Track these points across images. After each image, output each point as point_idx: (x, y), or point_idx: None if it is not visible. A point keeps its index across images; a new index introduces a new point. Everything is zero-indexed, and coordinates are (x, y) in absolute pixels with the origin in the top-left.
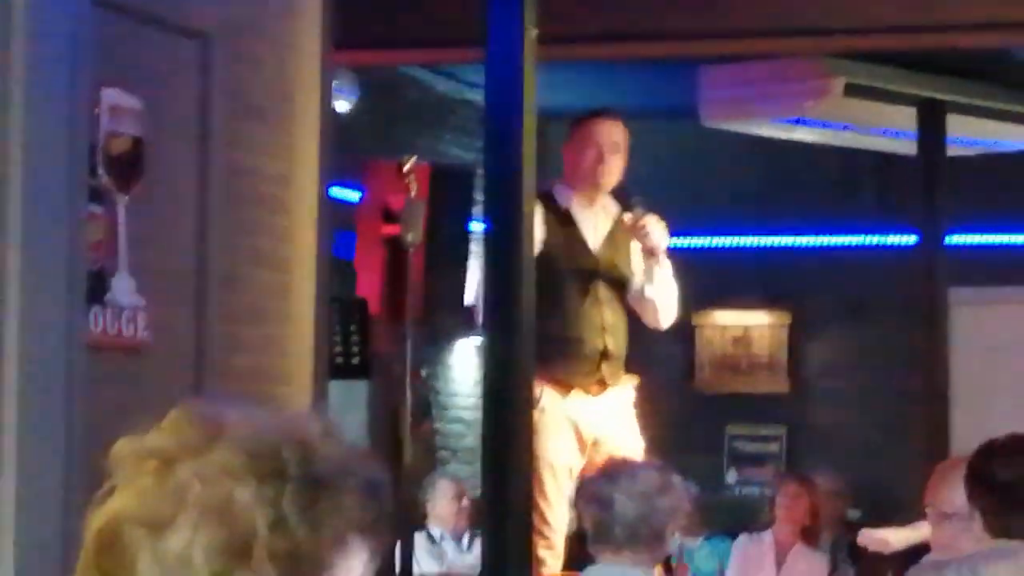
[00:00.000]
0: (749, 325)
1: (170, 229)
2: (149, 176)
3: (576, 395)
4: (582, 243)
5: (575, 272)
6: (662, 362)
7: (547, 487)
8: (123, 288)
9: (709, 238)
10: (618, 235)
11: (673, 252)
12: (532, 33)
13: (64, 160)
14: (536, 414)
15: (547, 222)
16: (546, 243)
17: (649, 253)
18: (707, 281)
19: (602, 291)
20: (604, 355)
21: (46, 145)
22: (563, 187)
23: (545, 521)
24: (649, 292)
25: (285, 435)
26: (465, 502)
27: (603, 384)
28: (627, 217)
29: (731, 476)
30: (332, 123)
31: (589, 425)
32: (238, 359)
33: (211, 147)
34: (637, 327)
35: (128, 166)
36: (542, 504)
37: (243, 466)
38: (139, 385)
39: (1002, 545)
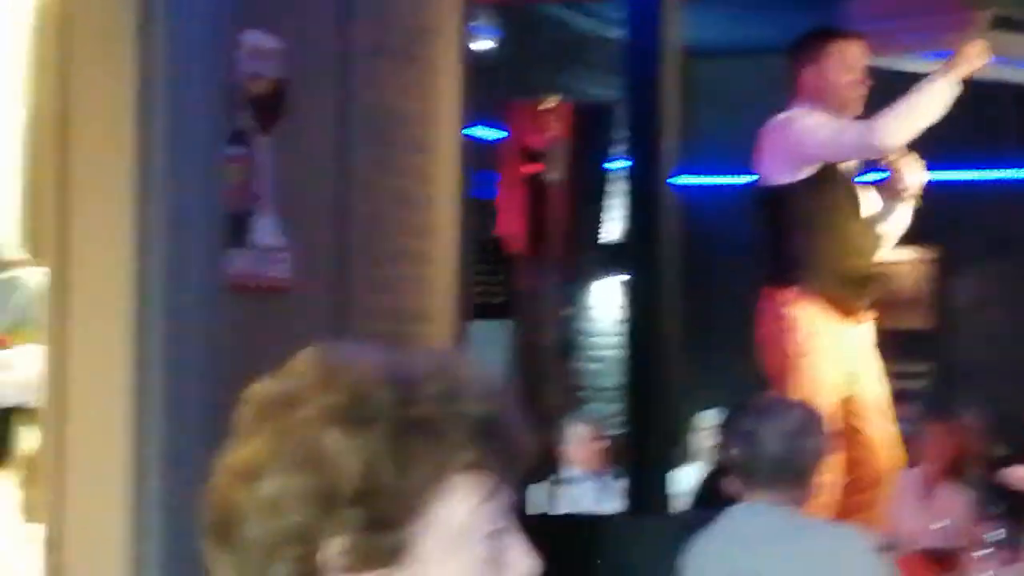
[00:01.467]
0: (893, 261)
1: (311, 170)
2: (290, 117)
3: (846, 321)
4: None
5: (842, 196)
6: None
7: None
8: (265, 229)
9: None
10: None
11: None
12: None
13: (207, 101)
14: (804, 338)
15: None
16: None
17: (899, 192)
18: None
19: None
20: (871, 279)
21: (188, 87)
22: (810, 109)
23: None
24: (883, 227)
25: (389, 375)
26: (603, 443)
27: (866, 312)
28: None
29: None
30: (472, 63)
31: (853, 354)
32: (380, 299)
33: (351, 87)
34: None
35: (269, 107)
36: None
37: (340, 410)
38: (282, 326)
39: None
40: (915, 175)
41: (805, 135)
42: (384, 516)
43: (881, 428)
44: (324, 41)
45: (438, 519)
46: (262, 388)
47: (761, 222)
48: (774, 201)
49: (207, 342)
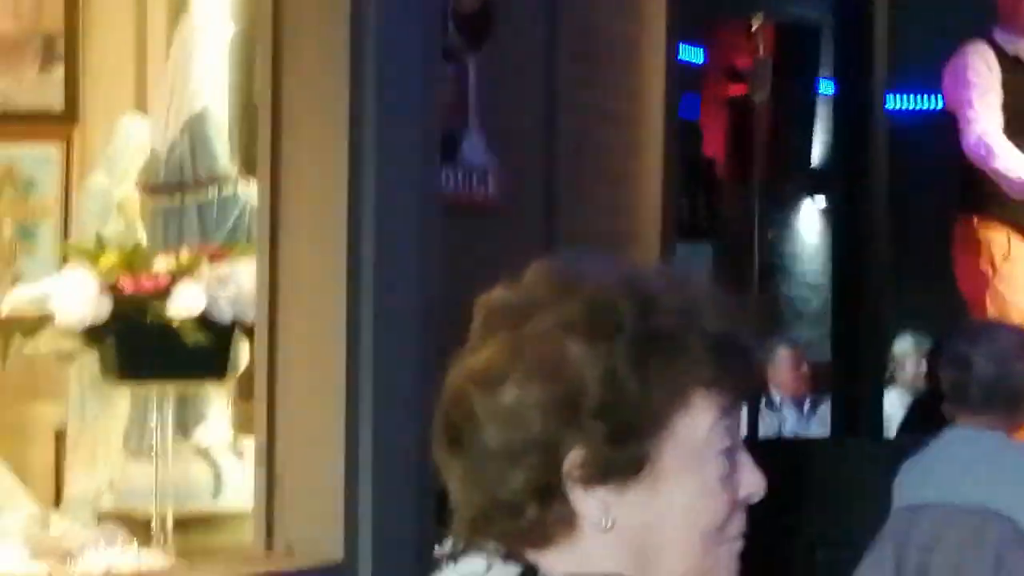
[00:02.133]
0: None
1: (519, 88)
2: (498, 35)
3: None
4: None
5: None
6: None
7: None
8: (475, 148)
9: None
10: None
11: None
12: None
13: (419, 19)
14: (1000, 261)
15: (996, 68)
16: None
17: None
18: None
19: None
20: None
21: (401, 3)
22: (1005, 32)
23: None
24: None
25: (628, 287)
26: (805, 367)
27: None
28: None
29: None
30: None
31: None
32: (586, 219)
33: (559, 6)
34: None
35: (478, 24)
36: None
37: (581, 321)
38: (490, 245)
39: None
40: None
41: (959, 90)
42: (625, 428)
43: None
44: None
45: (677, 434)
46: (495, 296)
47: (954, 148)
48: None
49: (419, 258)
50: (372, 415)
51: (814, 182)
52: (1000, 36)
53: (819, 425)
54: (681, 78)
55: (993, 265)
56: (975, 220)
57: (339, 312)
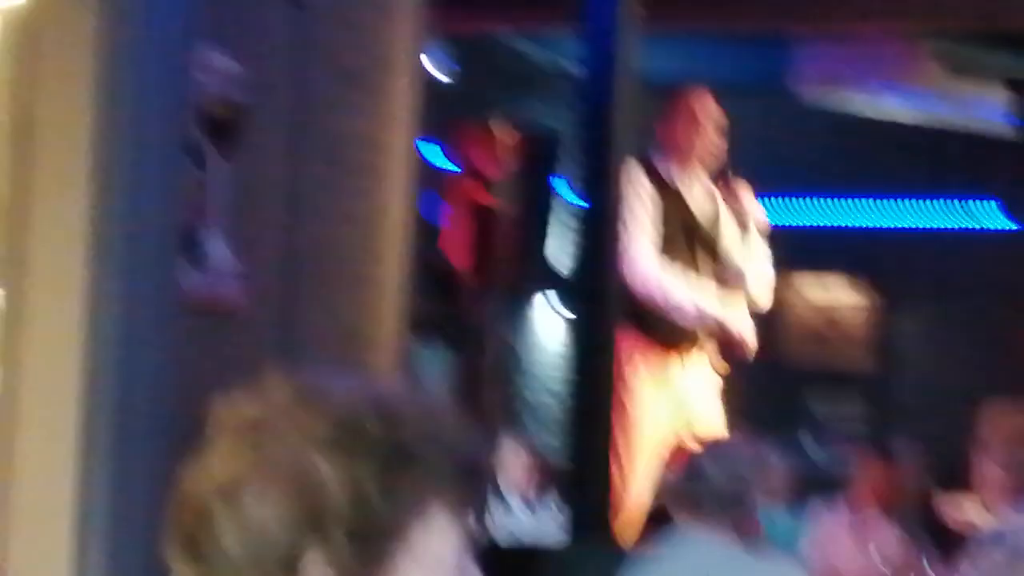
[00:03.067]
0: (835, 301)
1: (264, 191)
2: (245, 138)
3: (673, 362)
4: (688, 213)
5: (681, 241)
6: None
7: (633, 452)
8: (216, 248)
9: (801, 212)
10: (718, 208)
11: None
12: (631, 2)
13: (165, 120)
14: (630, 379)
15: (654, 192)
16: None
17: (743, 224)
18: (796, 256)
19: (702, 262)
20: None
21: (148, 104)
22: (664, 159)
23: (624, 486)
24: (743, 266)
25: (374, 403)
26: (538, 467)
27: (696, 353)
28: (720, 186)
29: (811, 447)
30: (425, 88)
31: (682, 393)
32: (327, 322)
33: (307, 111)
34: None
35: (225, 128)
36: (625, 468)
37: (327, 434)
38: (231, 346)
39: None
40: (752, 205)
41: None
42: (367, 540)
43: None
44: (282, 65)
45: (416, 547)
46: (235, 407)
47: None
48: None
49: (158, 359)
50: (106, 525)
51: (553, 286)
52: (658, 162)
53: (551, 522)
54: (428, 182)
55: (625, 377)
56: (629, 334)
57: (75, 415)
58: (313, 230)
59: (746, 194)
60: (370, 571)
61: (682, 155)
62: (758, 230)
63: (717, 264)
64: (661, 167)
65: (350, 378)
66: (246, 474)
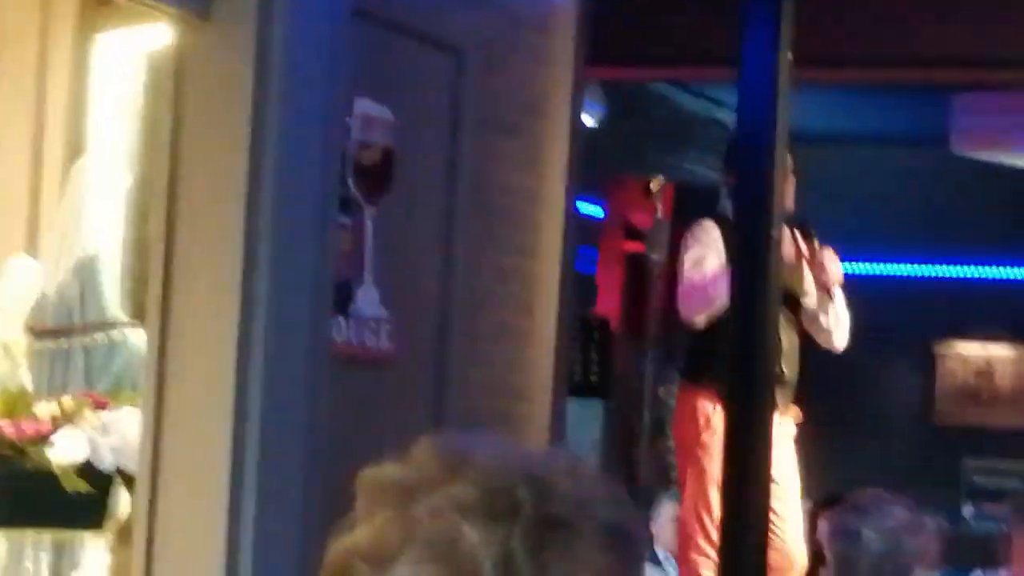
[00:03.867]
0: (992, 356)
1: (416, 241)
2: (397, 187)
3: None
4: None
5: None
6: (901, 392)
7: (713, 506)
8: (368, 299)
9: (958, 267)
10: (793, 260)
11: (914, 281)
12: (787, 55)
13: (317, 168)
14: (707, 435)
15: (726, 243)
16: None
17: (824, 287)
18: (950, 311)
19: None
20: (779, 380)
21: (300, 151)
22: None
23: (710, 541)
24: (824, 322)
25: (524, 472)
26: None
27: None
28: (805, 249)
29: (968, 511)
30: (581, 139)
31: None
32: (479, 374)
33: (460, 160)
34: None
35: (377, 177)
36: (707, 522)
37: (476, 502)
38: (381, 396)
39: None
40: (835, 268)
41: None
42: None
43: (796, 528)
44: (435, 112)
45: None
46: (380, 471)
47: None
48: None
49: (307, 411)
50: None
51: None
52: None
53: None
54: (579, 232)
55: (702, 436)
56: (692, 391)
57: (222, 466)
58: (466, 280)
59: (827, 251)
60: None
61: None
62: (839, 286)
63: (796, 316)
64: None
65: (499, 442)
66: (392, 540)
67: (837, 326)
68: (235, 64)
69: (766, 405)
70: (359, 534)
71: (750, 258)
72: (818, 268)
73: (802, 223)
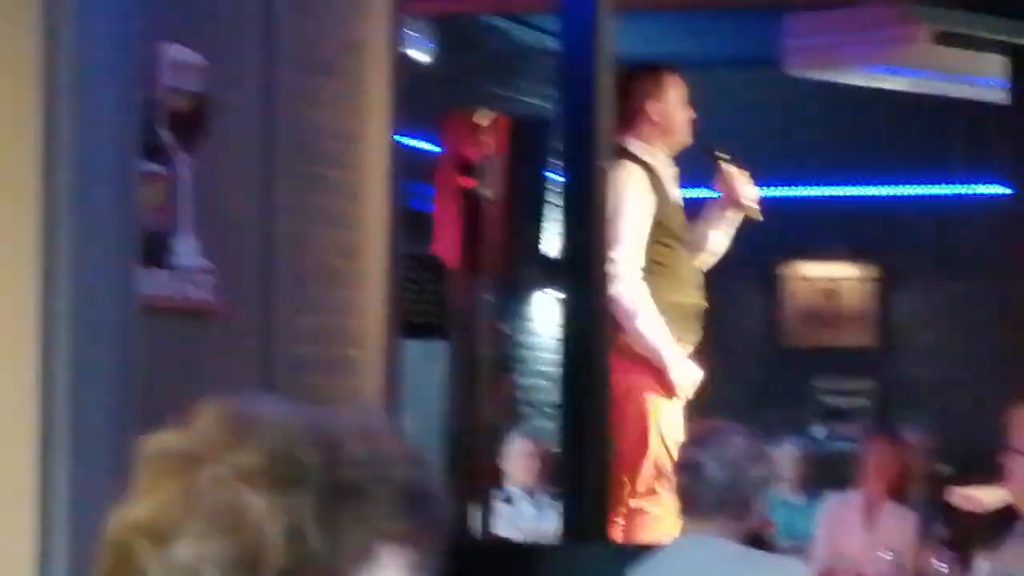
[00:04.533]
0: (837, 277)
1: (237, 189)
2: (212, 134)
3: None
4: (672, 201)
5: (670, 231)
6: (747, 315)
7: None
8: (186, 250)
9: (797, 188)
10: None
11: (761, 202)
12: None
13: (117, 114)
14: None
15: (646, 181)
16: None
17: (735, 204)
18: (794, 233)
19: (673, 241)
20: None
21: (97, 98)
22: (640, 142)
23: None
24: (716, 244)
25: (313, 435)
26: (543, 460)
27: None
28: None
29: (819, 432)
30: (404, 75)
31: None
32: (308, 321)
33: (277, 104)
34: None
35: (191, 124)
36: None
37: (261, 470)
38: (205, 348)
39: None
40: (747, 188)
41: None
42: None
43: None
44: (248, 56)
45: None
46: (162, 441)
47: None
48: None
49: (118, 365)
50: (65, 540)
51: (547, 273)
52: (634, 145)
53: (556, 517)
54: (413, 169)
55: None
56: None
57: (31, 426)
58: (289, 227)
59: (738, 175)
60: None
61: (668, 136)
62: (750, 212)
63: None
64: (640, 151)
65: (287, 406)
66: (174, 513)
67: (723, 248)
68: (24, 13)
69: (599, 329)
70: (139, 508)
71: (577, 185)
72: (732, 186)
73: (710, 146)
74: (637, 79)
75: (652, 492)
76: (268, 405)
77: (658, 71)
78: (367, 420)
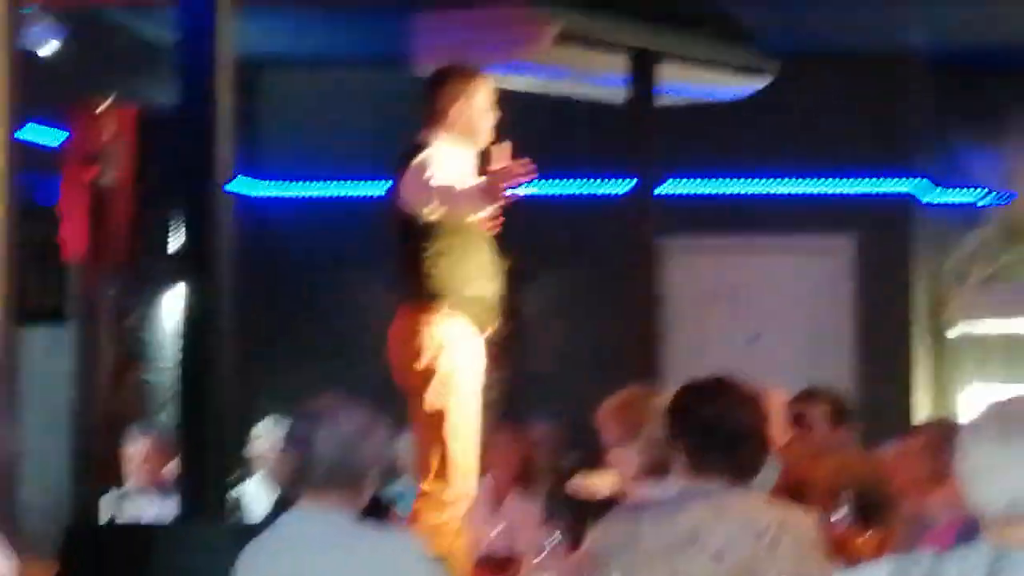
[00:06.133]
0: None
1: None
2: None
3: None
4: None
5: (469, 224)
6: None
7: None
8: None
9: None
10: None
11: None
12: None
13: None
14: (445, 351)
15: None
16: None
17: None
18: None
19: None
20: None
21: None
22: (445, 138)
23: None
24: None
25: None
26: (167, 455)
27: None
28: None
29: None
30: (25, 65)
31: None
32: None
33: None
34: None
35: None
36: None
37: None
38: None
39: (700, 485)
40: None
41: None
42: None
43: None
44: None
45: None
46: None
47: (400, 243)
48: (413, 228)
49: None
50: None
51: (171, 265)
52: (437, 140)
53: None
54: (38, 161)
55: (437, 352)
56: (417, 310)
57: None
58: None
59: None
60: None
61: (459, 134)
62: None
63: None
64: (440, 143)
65: None
66: None
67: None
68: None
69: (216, 319)
70: None
71: (195, 178)
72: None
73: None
74: (445, 80)
75: (442, 477)
76: None
77: (467, 74)
78: None
